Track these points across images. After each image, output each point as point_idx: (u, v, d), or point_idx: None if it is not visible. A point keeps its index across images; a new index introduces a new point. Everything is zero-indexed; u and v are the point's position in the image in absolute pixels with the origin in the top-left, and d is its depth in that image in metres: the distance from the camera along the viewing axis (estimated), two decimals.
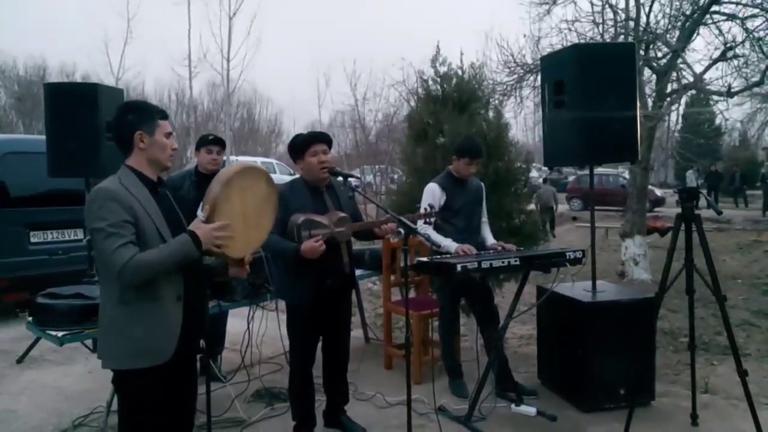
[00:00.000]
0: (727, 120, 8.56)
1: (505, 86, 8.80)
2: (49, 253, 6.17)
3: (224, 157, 4.14)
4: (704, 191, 3.27)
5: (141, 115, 2.17)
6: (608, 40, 7.68)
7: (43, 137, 5.08)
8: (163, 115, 2.23)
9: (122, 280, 2.00)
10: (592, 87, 3.68)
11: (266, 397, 3.84)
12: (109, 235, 1.99)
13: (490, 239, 3.98)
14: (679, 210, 3.17)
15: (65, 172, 4.42)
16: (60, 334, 3.01)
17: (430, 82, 5.07)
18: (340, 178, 3.18)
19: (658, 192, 20.80)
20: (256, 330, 3.73)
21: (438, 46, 5.14)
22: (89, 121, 4.26)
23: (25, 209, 6.12)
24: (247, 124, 42.36)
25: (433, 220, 3.44)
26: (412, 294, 4.54)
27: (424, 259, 3.37)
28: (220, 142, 4.11)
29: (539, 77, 8.69)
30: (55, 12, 49.31)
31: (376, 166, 15.11)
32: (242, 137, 39.55)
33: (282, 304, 3.31)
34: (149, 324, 2.09)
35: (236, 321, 4.30)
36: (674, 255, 3.17)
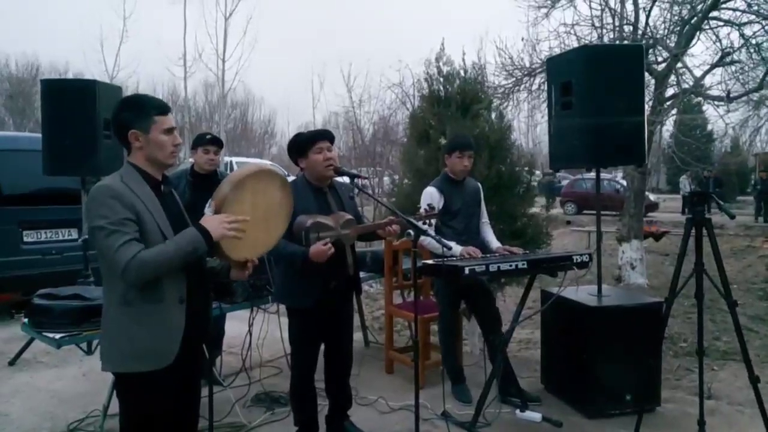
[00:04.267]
0: (727, 124, 8.57)
1: (504, 89, 8.77)
2: (42, 253, 6.07)
3: (220, 157, 4.07)
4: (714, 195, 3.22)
5: (134, 112, 2.07)
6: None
7: (37, 135, 4.99)
8: (161, 110, 2.10)
9: (127, 279, 1.93)
10: (600, 89, 3.64)
11: (267, 401, 3.77)
12: (112, 232, 1.92)
13: (494, 242, 3.92)
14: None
15: (61, 171, 4.34)
16: (57, 336, 2.93)
17: (433, 82, 5.01)
18: (343, 178, 3.11)
19: (652, 197, 20.89)
20: (256, 333, 3.66)
21: (443, 45, 5.09)
22: (87, 118, 4.19)
23: (18, 208, 6.02)
24: (241, 124, 42.22)
25: (434, 221, 3.39)
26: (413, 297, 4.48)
27: (430, 261, 3.31)
28: (217, 142, 4.04)
29: (537, 80, 8.75)
30: (53, 10, 49.09)
31: (372, 169, 15.06)
32: (235, 138, 39.42)
33: (283, 306, 3.24)
34: (152, 326, 2.02)
35: (235, 324, 4.24)
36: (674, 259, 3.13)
